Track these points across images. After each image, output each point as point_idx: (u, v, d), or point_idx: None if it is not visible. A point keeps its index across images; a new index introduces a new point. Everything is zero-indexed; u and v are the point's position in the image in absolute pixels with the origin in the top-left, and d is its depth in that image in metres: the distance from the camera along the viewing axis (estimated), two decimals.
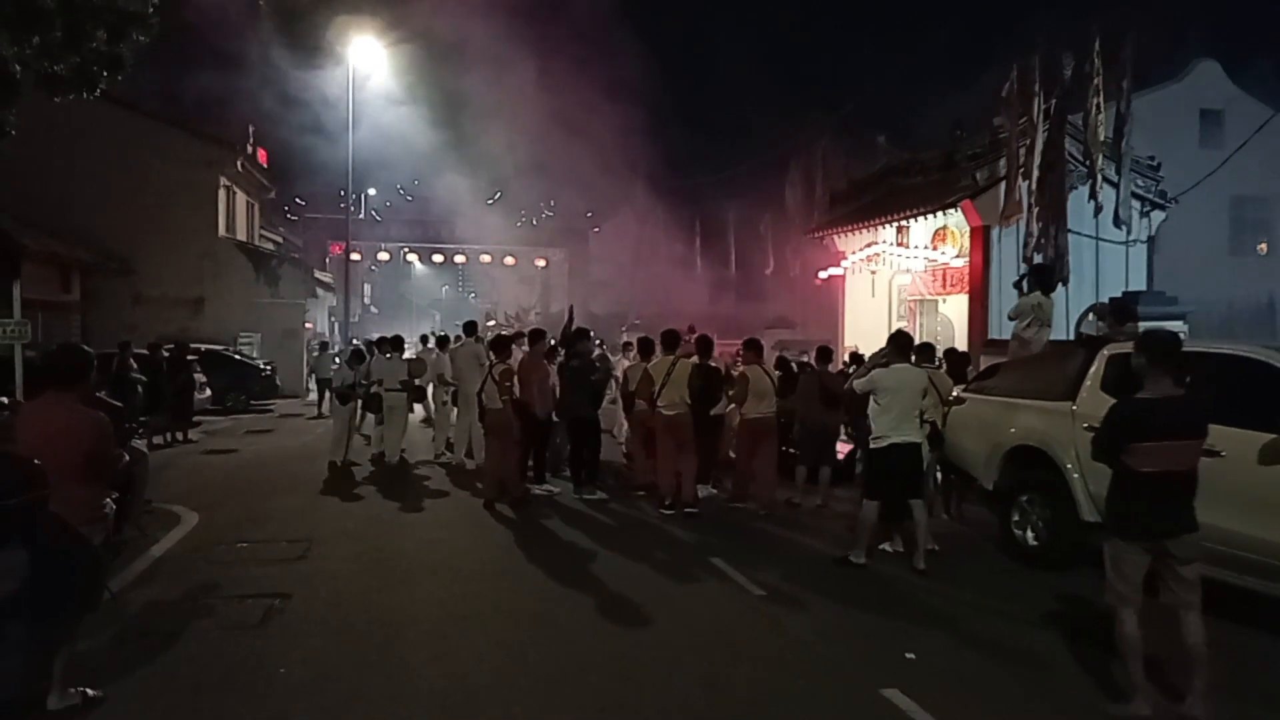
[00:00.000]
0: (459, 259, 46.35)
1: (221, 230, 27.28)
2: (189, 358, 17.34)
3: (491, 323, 29.98)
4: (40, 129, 20.43)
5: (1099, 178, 13.52)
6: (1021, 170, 13.64)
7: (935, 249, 16.93)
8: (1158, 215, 16.82)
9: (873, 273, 18.99)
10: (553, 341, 13.21)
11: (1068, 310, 12.61)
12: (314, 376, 22.31)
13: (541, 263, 46.49)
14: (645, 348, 10.84)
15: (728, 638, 5.81)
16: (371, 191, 45.63)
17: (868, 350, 13.48)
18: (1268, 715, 4.75)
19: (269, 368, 23.98)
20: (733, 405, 10.22)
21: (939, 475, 9.56)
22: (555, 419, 11.52)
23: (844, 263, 19.37)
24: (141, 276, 25.13)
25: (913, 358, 8.21)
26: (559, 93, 30.81)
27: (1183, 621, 4.55)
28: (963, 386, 9.22)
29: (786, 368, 11.94)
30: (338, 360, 18.67)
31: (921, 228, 17.35)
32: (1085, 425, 6.71)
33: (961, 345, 14.41)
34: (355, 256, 37.40)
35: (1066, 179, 13.30)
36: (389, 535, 8.80)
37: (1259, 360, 6.30)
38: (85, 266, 23.25)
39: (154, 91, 27.06)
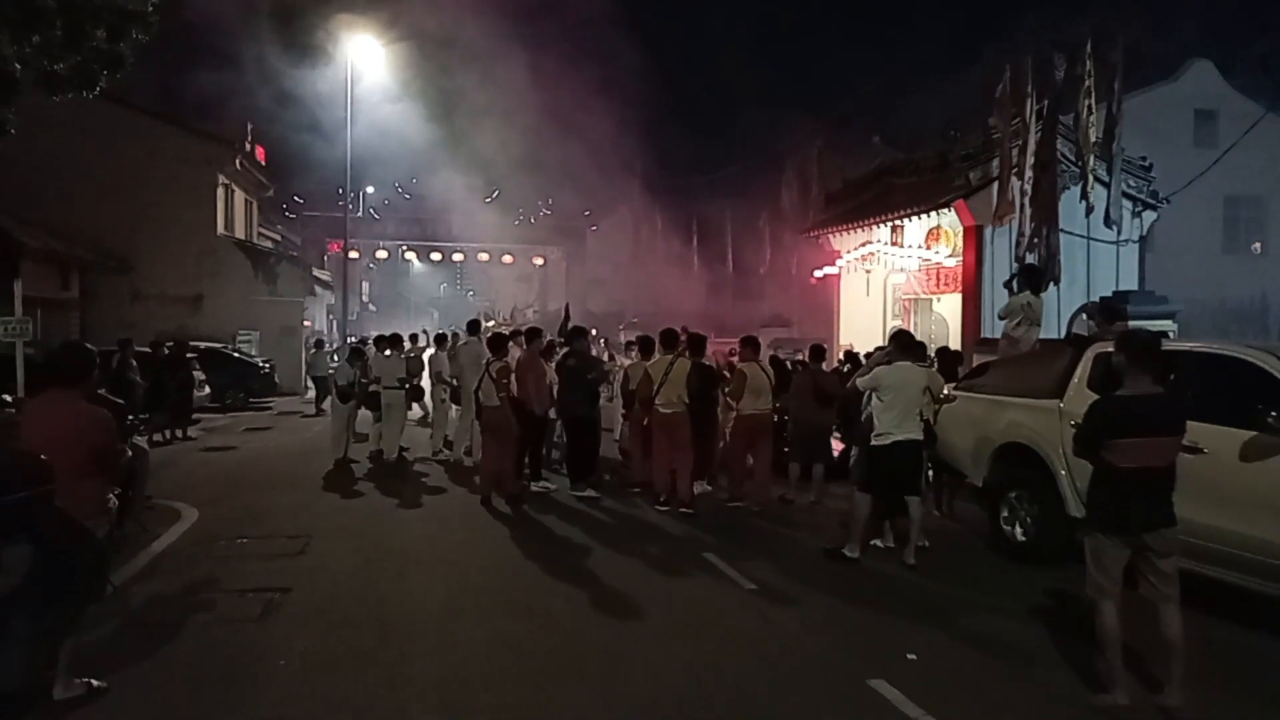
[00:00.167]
0: (457, 257, 46.42)
1: (220, 228, 27.37)
2: (188, 355, 17.43)
3: (491, 322, 30.08)
4: (40, 127, 20.54)
5: (1090, 178, 13.65)
6: (1014, 170, 13.76)
7: (929, 248, 17.05)
8: (1149, 215, 16.94)
9: (867, 272, 19.11)
10: (550, 339, 13.33)
11: (1059, 310, 12.73)
12: (310, 374, 22.36)
13: (539, 261, 46.58)
14: (646, 347, 10.95)
15: (718, 630, 5.92)
16: (370, 189, 45.68)
17: (862, 349, 13.63)
18: (1243, 704, 4.86)
19: (267, 365, 24.07)
20: (726, 403, 10.33)
21: (930, 473, 9.66)
22: (553, 416, 11.65)
23: (839, 262, 19.49)
24: (140, 274, 25.23)
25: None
26: (556, 91, 30.95)
27: (1161, 613, 4.66)
28: (953, 385, 9.33)
29: (780, 366, 12.07)
30: (335, 358, 18.80)
31: (916, 227, 17.47)
32: (1072, 423, 6.80)
33: (955, 344, 14.54)
34: (353, 254, 37.44)
35: (1059, 179, 13.42)
36: (387, 531, 8.91)
37: (1241, 359, 6.41)
38: (84, 264, 23.35)
39: (153, 89, 27.16)
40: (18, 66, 11.14)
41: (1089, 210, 13.74)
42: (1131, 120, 19.72)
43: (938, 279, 17.18)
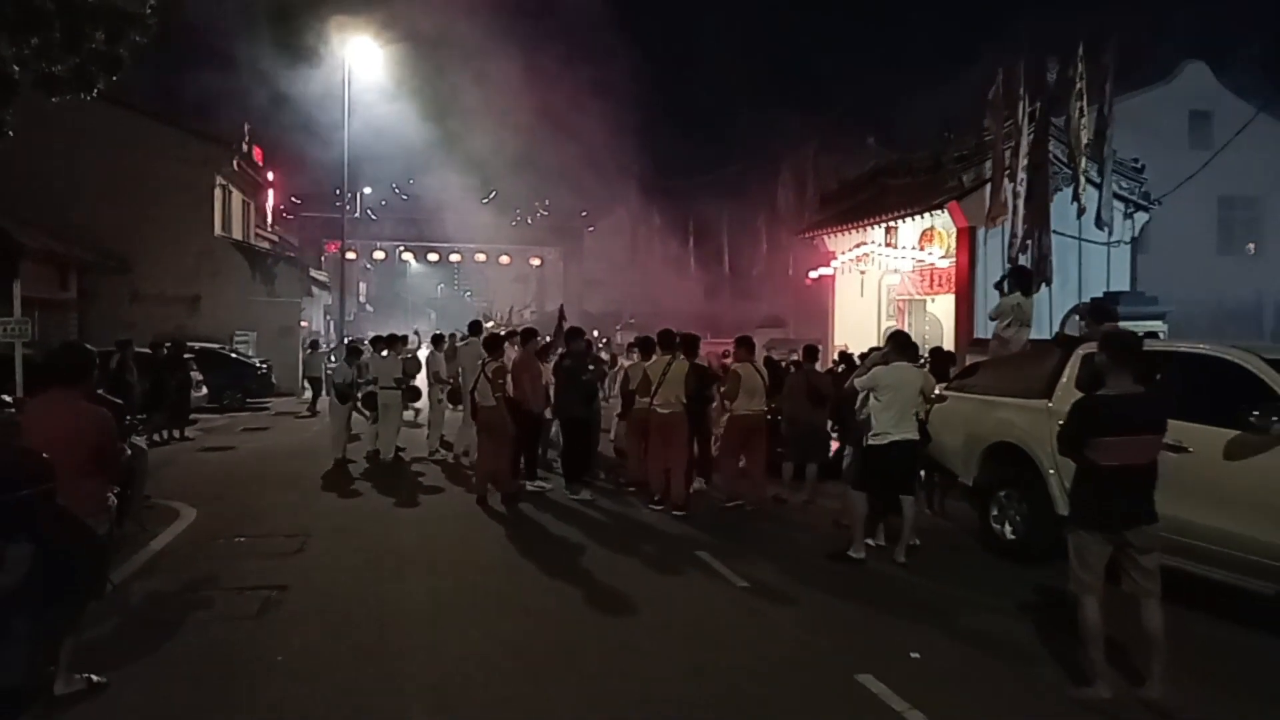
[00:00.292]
0: (454, 258, 46.50)
1: (217, 229, 27.42)
2: (185, 356, 17.50)
3: (490, 323, 30.17)
4: (38, 128, 20.59)
5: (1082, 180, 13.74)
6: (1007, 172, 13.85)
7: (923, 249, 17.16)
8: (1141, 216, 17.05)
9: (862, 273, 19.21)
10: (546, 339, 13.40)
11: (1051, 310, 12.83)
12: (305, 375, 22.41)
13: (536, 262, 46.68)
14: (645, 347, 11.04)
15: (710, 627, 6.02)
16: (367, 190, 45.77)
17: (856, 350, 13.73)
18: (1223, 697, 4.94)
19: (265, 366, 24.13)
20: (719, 404, 10.40)
21: (922, 472, 9.75)
22: (549, 417, 11.74)
23: (834, 263, 19.60)
24: (138, 275, 25.26)
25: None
26: (553, 92, 31.03)
27: (1143, 608, 4.76)
28: (944, 385, 9.42)
29: (775, 367, 12.16)
30: (333, 358, 18.86)
31: (910, 228, 17.57)
32: (1060, 422, 6.91)
33: (949, 344, 14.65)
34: (351, 255, 37.55)
35: (1051, 181, 13.52)
36: (384, 530, 8.99)
37: (1225, 359, 6.50)
38: (83, 265, 23.39)
39: (151, 90, 27.20)
40: (16, 68, 11.20)
41: (1081, 211, 13.83)
42: (1127, 121, 19.84)
43: (931, 280, 17.28)
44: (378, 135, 32.50)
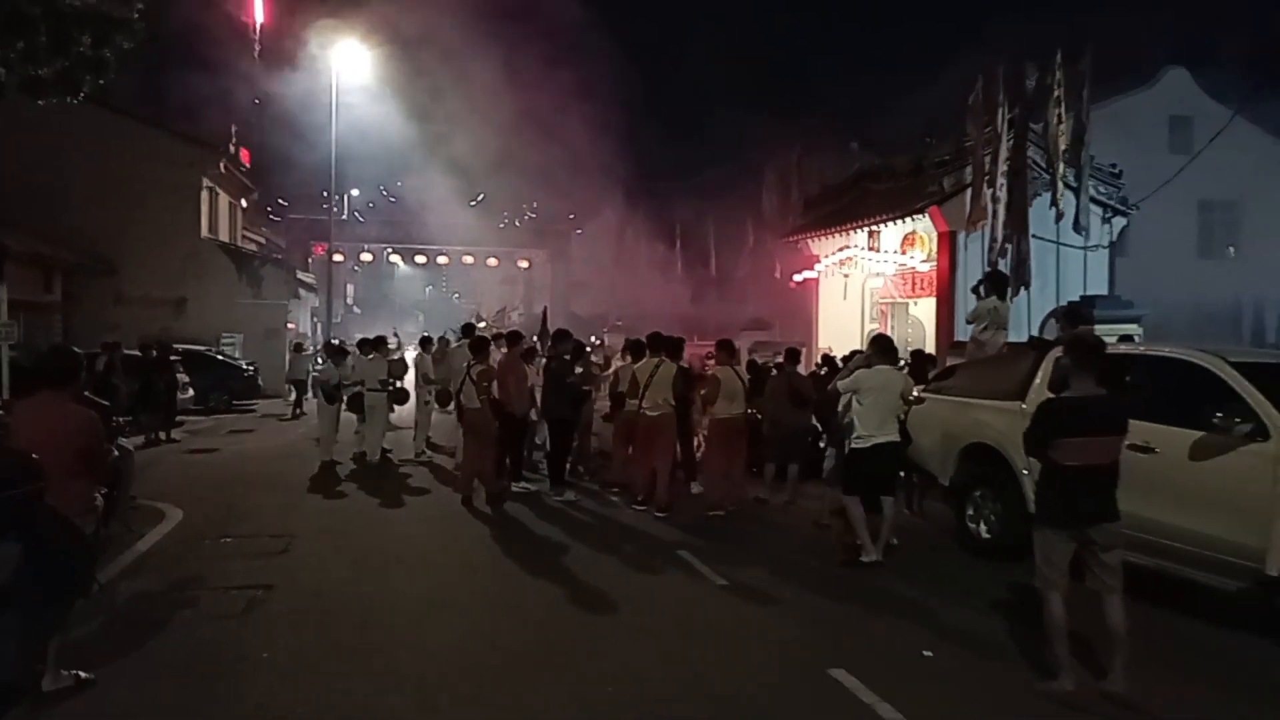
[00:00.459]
0: (441, 260, 46.49)
1: (204, 231, 27.40)
2: (171, 358, 17.53)
3: (482, 323, 30.21)
4: (23, 130, 20.63)
5: (1060, 185, 13.95)
6: (986, 177, 14.06)
7: (904, 253, 17.34)
8: (1119, 221, 17.28)
9: (845, 276, 19.38)
10: (534, 341, 13.53)
11: (1030, 314, 13.02)
12: (289, 377, 22.39)
13: (524, 264, 46.68)
14: (636, 350, 11.14)
15: (687, 623, 6.14)
16: (355, 192, 45.77)
17: (840, 352, 13.87)
18: (1183, 688, 5.09)
19: (251, 368, 24.13)
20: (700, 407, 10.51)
21: (901, 472, 9.88)
22: (534, 418, 11.84)
23: (817, 266, 19.77)
24: (124, 277, 25.22)
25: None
26: (540, 96, 31.13)
27: (1105, 604, 4.90)
28: (922, 387, 9.57)
29: (759, 369, 12.30)
30: (321, 359, 18.91)
31: (892, 232, 17.75)
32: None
33: (931, 347, 14.82)
34: (338, 257, 37.50)
35: (1030, 186, 13.72)
36: (369, 530, 9.08)
37: (1191, 362, 6.67)
38: (67, 267, 23.35)
39: (138, 93, 27.15)
40: (2, 71, 11.25)
41: (1059, 216, 14.05)
42: (1108, 126, 20.10)
43: (913, 283, 17.47)
44: (365, 137, 32.58)
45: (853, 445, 7.94)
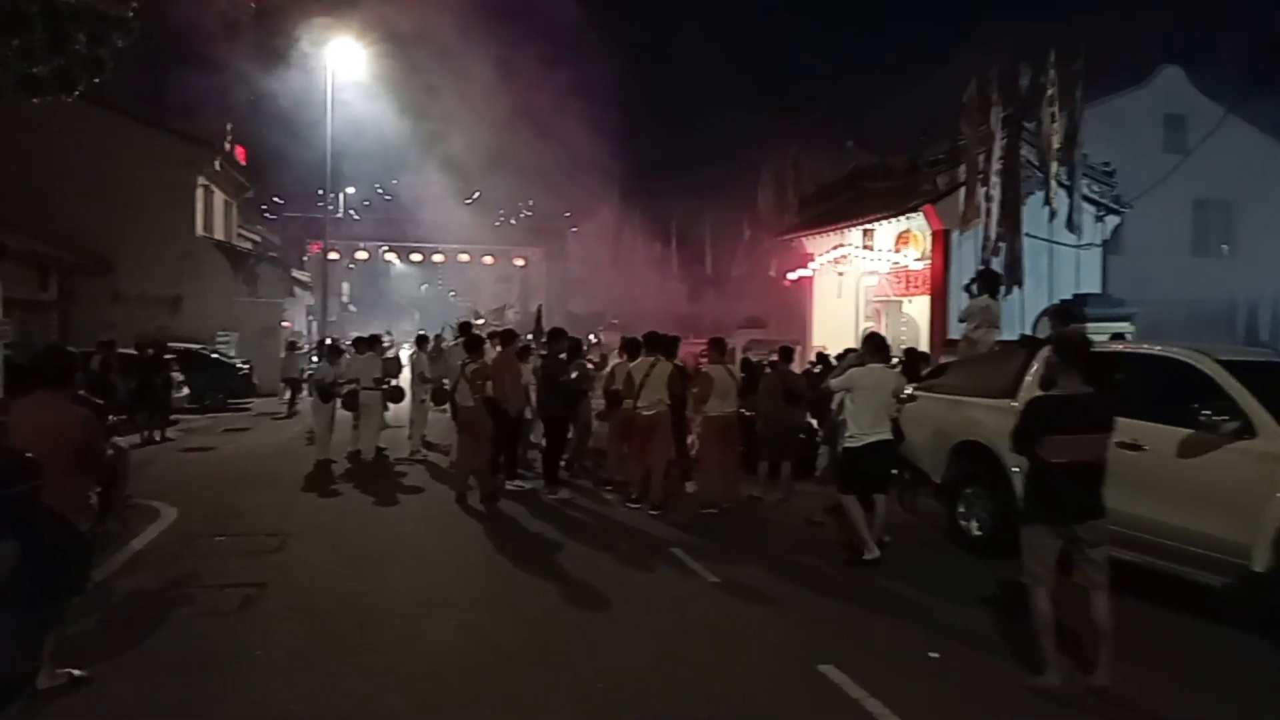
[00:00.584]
0: (437, 258, 46.42)
1: (199, 229, 27.39)
2: (166, 357, 17.54)
3: (480, 320, 30.19)
4: (19, 128, 20.61)
5: (1053, 184, 14.01)
6: (980, 176, 14.12)
7: (899, 252, 17.40)
8: (1112, 220, 17.34)
9: (840, 274, 19.44)
10: (528, 339, 13.55)
11: (1023, 312, 13.09)
12: (282, 376, 22.40)
13: (520, 262, 46.68)
14: (631, 349, 11.20)
15: (680, 620, 6.19)
16: (350, 190, 45.73)
17: (834, 350, 13.93)
18: (1169, 683, 5.15)
19: (246, 367, 24.13)
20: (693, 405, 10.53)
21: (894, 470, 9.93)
22: (529, 416, 11.88)
23: (812, 264, 19.82)
24: (119, 275, 25.20)
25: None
26: (536, 94, 31.14)
27: (1092, 599, 4.96)
28: (914, 385, 9.63)
29: (754, 367, 12.35)
30: (315, 358, 18.93)
31: (886, 231, 17.81)
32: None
33: (925, 345, 14.88)
34: (334, 255, 37.51)
35: (1023, 185, 13.78)
36: (364, 528, 9.11)
37: (1180, 360, 6.74)
38: (63, 265, 23.35)
39: (133, 90, 27.09)
40: None
41: (1052, 215, 14.11)
42: (1103, 125, 20.16)
43: (907, 282, 17.53)
44: (360, 135, 32.54)
45: (846, 444, 7.98)
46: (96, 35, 11.66)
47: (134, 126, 25.69)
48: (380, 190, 47.31)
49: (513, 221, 44.95)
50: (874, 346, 8.30)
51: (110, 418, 9.87)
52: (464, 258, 45.97)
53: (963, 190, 14.85)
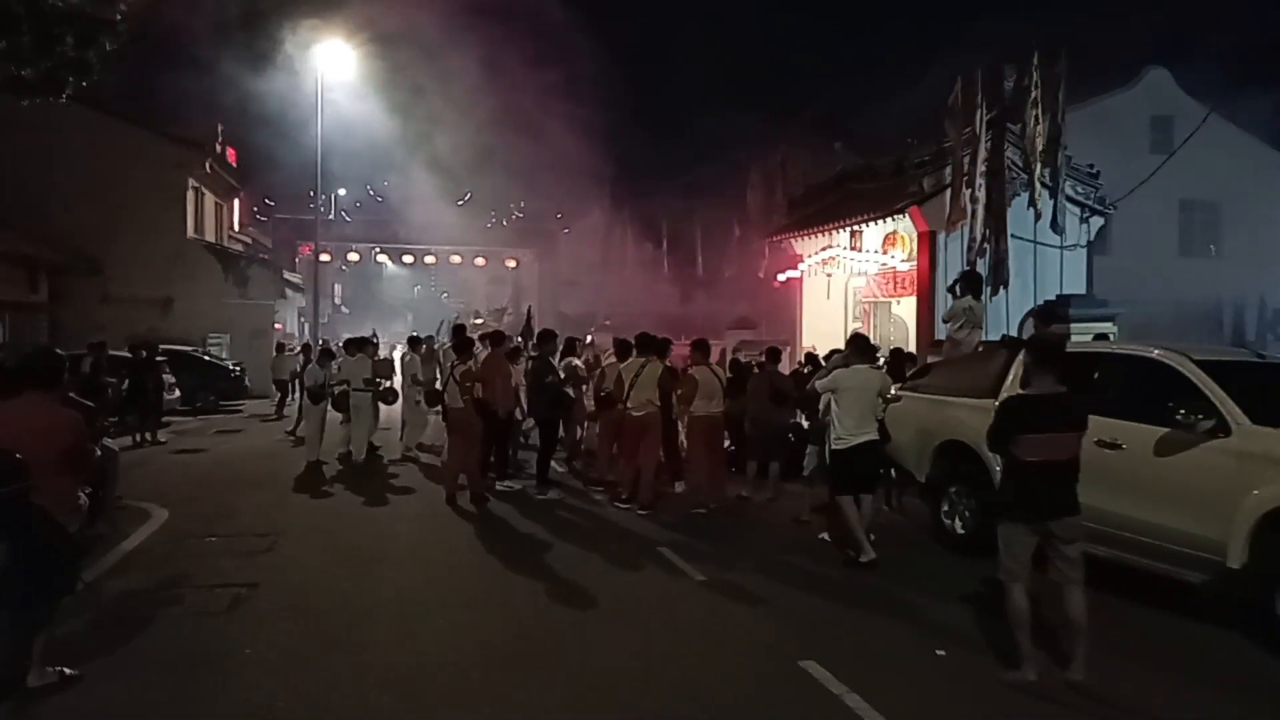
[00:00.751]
0: (429, 259, 46.39)
1: (190, 231, 27.40)
2: (157, 359, 17.56)
3: (480, 321, 30.20)
4: (9, 130, 20.60)
5: (1038, 186, 14.14)
6: (965, 178, 14.23)
7: (886, 253, 17.51)
8: (1097, 221, 17.48)
9: (828, 275, 19.53)
10: (518, 341, 13.61)
11: (1008, 313, 13.20)
12: (272, 378, 22.40)
13: (512, 263, 46.69)
14: (622, 349, 11.27)
15: (665, 617, 6.28)
16: (341, 192, 45.70)
17: (824, 351, 14.01)
18: (1142, 677, 5.23)
19: (238, 368, 24.15)
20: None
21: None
22: (520, 417, 11.96)
23: (801, 265, 19.91)
24: (110, 277, 25.19)
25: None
26: (528, 96, 31.22)
27: (1067, 595, 5.05)
28: (899, 385, 9.72)
29: (744, 368, 12.44)
30: (302, 360, 18.93)
31: (873, 232, 17.90)
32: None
33: (914, 346, 14.99)
34: (325, 257, 37.49)
35: (1008, 187, 13.91)
36: (354, 529, 9.17)
37: (1156, 360, 6.84)
38: (53, 267, 23.33)
39: (125, 92, 27.09)
40: None
41: (1037, 217, 14.24)
42: (1090, 126, 20.32)
43: (894, 283, 17.64)
44: (351, 137, 32.58)
45: (833, 447, 8.05)
46: (84, 38, 11.71)
47: (125, 128, 25.70)
48: (372, 192, 47.27)
49: (504, 223, 44.96)
50: (858, 347, 8.39)
51: (101, 420, 9.89)
52: (456, 259, 45.95)
53: (948, 192, 14.96)
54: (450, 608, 6.52)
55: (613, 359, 11.87)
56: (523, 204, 44.29)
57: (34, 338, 19.66)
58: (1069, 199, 15.24)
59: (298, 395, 17.79)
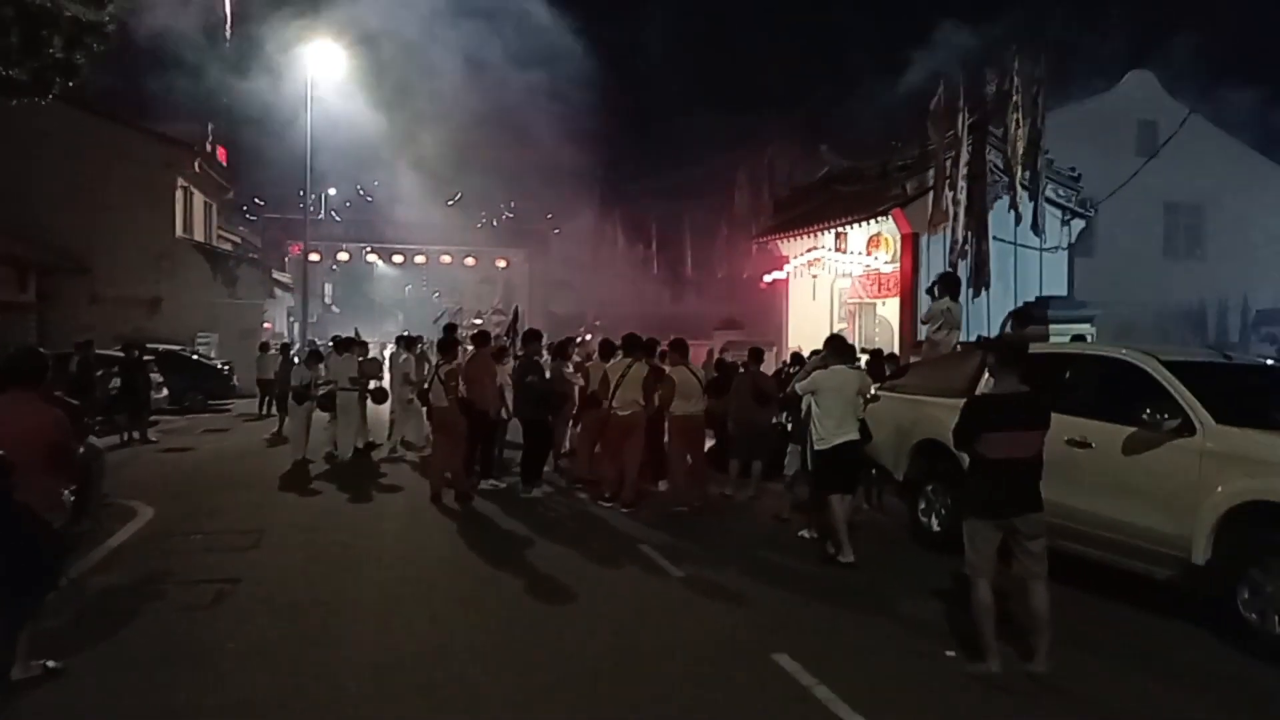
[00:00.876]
0: (419, 259, 46.46)
1: (179, 231, 27.40)
2: (145, 358, 17.59)
3: (479, 322, 30.18)
4: None
5: (1019, 189, 14.30)
6: (948, 181, 14.38)
7: (870, 255, 17.65)
8: (1078, 224, 17.64)
9: (814, 277, 19.65)
10: (505, 341, 13.69)
11: (989, 314, 13.35)
12: (256, 377, 22.41)
13: (502, 263, 46.78)
14: (604, 350, 11.34)
15: (642, 612, 6.39)
16: (332, 192, 45.74)
17: (809, 352, 14.13)
18: (1104, 669, 5.37)
19: (226, 368, 24.16)
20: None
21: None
22: (505, 417, 12.04)
23: (787, 267, 20.04)
24: (98, 277, 25.20)
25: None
26: (518, 97, 31.31)
27: (1030, 590, 5.18)
28: (878, 385, 9.84)
29: (727, 368, 12.56)
30: (297, 359, 18.98)
31: (858, 234, 18.04)
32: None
33: (897, 347, 15.13)
34: (314, 257, 37.53)
35: (990, 189, 14.06)
36: (338, 526, 9.24)
37: (1125, 361, 6.99)
38: (42, 267, 23.33)
39: (114, 91, 27.09)
40: None
41: (1018, 219, 14.39)
42: (1075, 130, 20.50)
43: (879, 284, 17.78)
44: (341, 137, 32.63)
45: (815, 447, 8.15)
46: (72, 40, 11.77)
47: (113, 128, 25.73)
48: (361, 192, 47.32)
49: (494, 223, 45.06)
50: (835, 348, 8.50)
51: (87, 419, 9.94)
52: (446, 259, 46.05)
53: (931, 194, 15.11)
54: (429, 603, 6.62)
55: (595, 359, 11.96)
56: (513, 204, 44.41)
57: (22, 338, 19.63)
58: (1050, 202, 15.41)
59: (275, 395, 17.89)
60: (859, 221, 17.35)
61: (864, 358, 11.30)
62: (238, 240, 36.94)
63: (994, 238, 14.25)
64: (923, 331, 11.55)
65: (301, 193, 32.66)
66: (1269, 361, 9.07)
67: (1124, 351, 7.17)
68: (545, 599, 6.73)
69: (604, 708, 4.83)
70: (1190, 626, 6.16)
